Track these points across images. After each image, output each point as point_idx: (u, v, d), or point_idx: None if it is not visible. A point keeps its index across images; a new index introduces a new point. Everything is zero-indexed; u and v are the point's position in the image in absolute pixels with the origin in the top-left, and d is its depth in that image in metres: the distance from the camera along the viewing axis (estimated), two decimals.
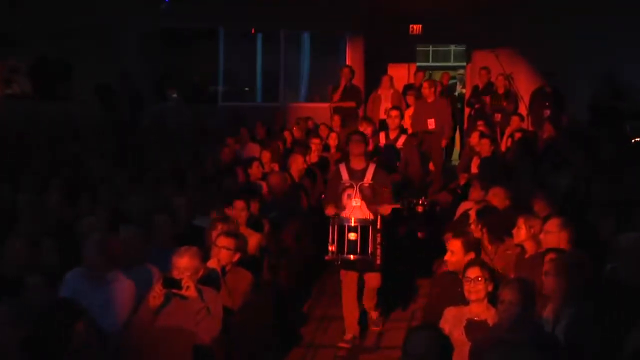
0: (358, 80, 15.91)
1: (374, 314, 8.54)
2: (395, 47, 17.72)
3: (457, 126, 15.14)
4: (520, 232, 6.84)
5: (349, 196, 8.08)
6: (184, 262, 6.07)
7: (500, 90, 14.68)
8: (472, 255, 6.53)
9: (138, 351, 5.79)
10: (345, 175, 8.28)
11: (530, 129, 14.03)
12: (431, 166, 12.89)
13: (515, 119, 13.72)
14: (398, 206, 8.06)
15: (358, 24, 17.64)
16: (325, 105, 15.37)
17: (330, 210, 8.02)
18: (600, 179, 9.29)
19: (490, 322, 5.60)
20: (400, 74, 17.29)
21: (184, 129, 14.96)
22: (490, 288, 5.78)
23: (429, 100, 13.31)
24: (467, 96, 16.14)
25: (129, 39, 16.41)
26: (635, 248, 5.87)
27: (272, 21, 17.04)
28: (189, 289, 5.92)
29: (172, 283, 5.93)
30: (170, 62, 17.34)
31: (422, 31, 18.01)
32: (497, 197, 8.31)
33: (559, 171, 10.17)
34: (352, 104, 14.68)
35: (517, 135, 12.85)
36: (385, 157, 10.46)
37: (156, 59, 17.07)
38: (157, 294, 5.92)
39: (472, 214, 7.65)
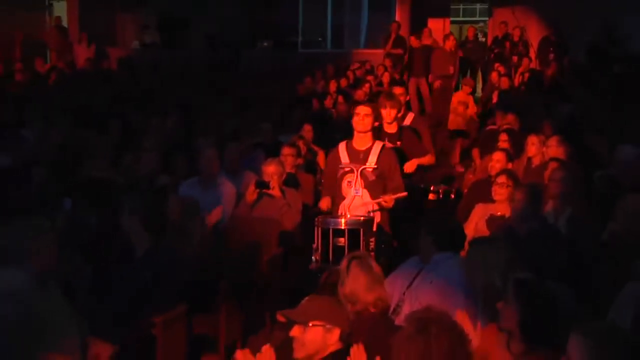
0: (404, 32, 15.68)
1: None
2: (434, 4, 17.38)
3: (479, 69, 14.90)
4: (533, 148, 6.80)
5: (349, 184, 5.21)
6: (271, 169, 6.11)
7: (516, 39, 14.40)
8: (510, 164, 6.39)
9: (239, 235, 5.90)
10: (344, 157, 5.29)
11: (538, 68, 13.77)
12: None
13: (525, 61, 13.46)
14: (405, 194, 5.19)
15: None
16: (379, 51, 15.16)
17: (323, 204, 5.35)
18: (595, 108, 9.12)
19: None
20: (437, 26, 16.93)
21: (271, 70, 14.97)
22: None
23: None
24: (489, 44, 15.82)
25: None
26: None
27: None
28: (275, 189, 6.00)
29: (262, 185, 6.02)
30: (262, 18, 17.32)
31: None
32: (512, 123, 8.33)
33: (562, 102, 9.98)
34: (399, 51, 14.46)
35: (527, 75, 12.64)
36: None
37: (251, 14, 17.08)
38: (251, 192, 6.01)
39: (503, 135, 7.44)
